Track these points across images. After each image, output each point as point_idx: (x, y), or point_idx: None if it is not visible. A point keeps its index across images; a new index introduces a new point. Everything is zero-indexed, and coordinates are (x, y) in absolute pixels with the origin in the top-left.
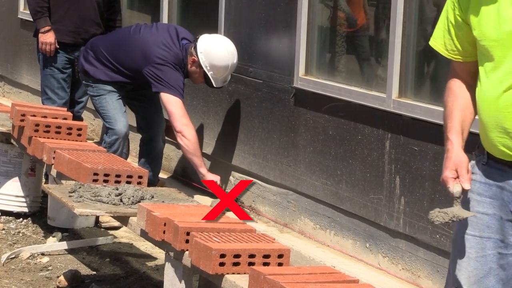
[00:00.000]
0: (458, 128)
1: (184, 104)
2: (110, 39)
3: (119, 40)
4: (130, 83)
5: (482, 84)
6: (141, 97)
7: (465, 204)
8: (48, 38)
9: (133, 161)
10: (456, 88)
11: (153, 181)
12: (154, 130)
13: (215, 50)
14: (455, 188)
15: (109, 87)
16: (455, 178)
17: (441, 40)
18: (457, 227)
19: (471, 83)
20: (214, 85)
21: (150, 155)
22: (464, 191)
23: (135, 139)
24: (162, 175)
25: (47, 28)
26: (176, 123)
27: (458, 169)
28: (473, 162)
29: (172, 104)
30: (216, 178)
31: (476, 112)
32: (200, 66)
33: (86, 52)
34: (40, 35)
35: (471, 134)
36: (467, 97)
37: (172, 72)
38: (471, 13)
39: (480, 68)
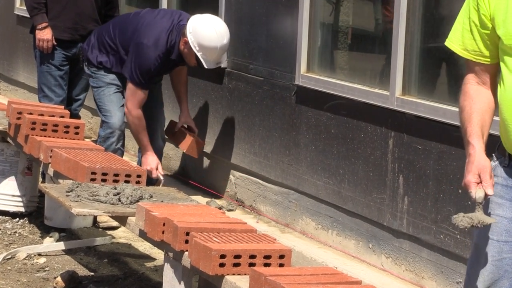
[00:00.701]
0: (479, 132)
1: (140, 91)
2: (113, 22)
3: (119, 22)
4: None
5: (505, 85)
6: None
7: (485, 206)
8: (45, 34)
9: (131, 159)
10: (473, 91)
11: (152, 180)
12: (153, 126)
13: (204, 31)
14: (477, 193)
15: (109, 79)
16: (477, 183)
17: (459, 41)
18: (476, 231)
19: (490, 84)
20: (205, 66)
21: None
22: (487, 197)
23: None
24: None
25: (44, 24)
26: (127, 104)
27: (481, 174)
28: (493, 163)
29: (130, 91)
30: (153, 162)
31: (493, 114)
32: (190, 47)
33: (90, 40)
34: (37, 32)
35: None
36: (485, 101)
37: (146, 58)
38: (496, 12)
39: (503, 68)
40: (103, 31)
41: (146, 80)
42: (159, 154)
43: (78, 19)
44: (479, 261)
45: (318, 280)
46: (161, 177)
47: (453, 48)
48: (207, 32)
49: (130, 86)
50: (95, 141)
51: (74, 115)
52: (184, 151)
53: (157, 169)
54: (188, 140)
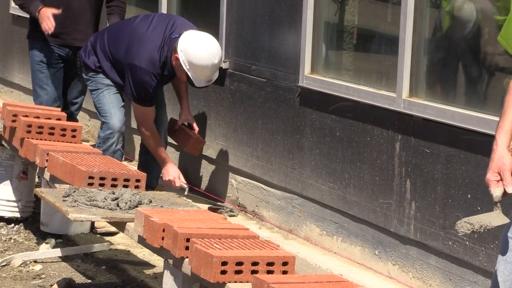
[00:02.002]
0: (508, 127)
1: (146, 108)
2: (110, 29)
3: (115, 30)
4: (121, 79)
5: None
6: None
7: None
8: (41, 15)
9: (133, 164)
10: None
11: (152, 184)
12: (156, 127)
13: (195, 49)
14: (495, 191)
15: (107, 81)
16: (497, 181)
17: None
18: (504, 229)
19: None
20: (195, 84)
21: (150, 154)
22: (507, 195)
23: (136, 142)
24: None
25: (38, 11)
26: (138, 123)
27: (501, 172)
28: None
29: (136, 111)
30: (175, 171)
31: None
32: (181, 64)
33: (86, 47)
34: (38, 17)
35: None
36: None
37: (142, 80)
38: None
39: None
40: (98, 39)
41: (149, 97)
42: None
43: (68, 22)
44: (501, 259)
45: None
46: (185, 185)
47: (504, 45)
48: (197, 51)
49: (136, 107)
50: (93, 145)
51: (72, 118)
52: (185, 149)
53: (179, 178)
54: (188, 138)
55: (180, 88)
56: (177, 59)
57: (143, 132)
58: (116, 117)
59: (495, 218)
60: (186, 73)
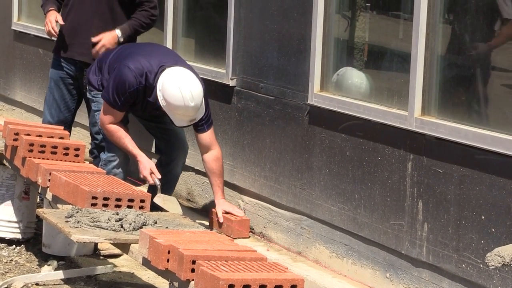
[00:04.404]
0: None
1: (114, 110)
2: (116, 50)
3: (120, 49)
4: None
5: None
6: (157, 118)
7: None
8: (48, 16)
9: (142, 187)
10: None
11: (156, 205)
12: (174, 154)
13: (170, 90)
14: None
15: None
16: None
17: None
18: None
19: None
20: (175, 124)
21: (164, 178)
22: None
23: None
24: None
25: (50, 8)
26: (100, 118)
27: None
28: None
29: (104, 109)
30: (147, 164)
31: None
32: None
33: (93, 63)
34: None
35: None
36: None
37: (125, 78)
38: None
39: None
40: (104, 57)
41: (120, 101)
42: (174, 180)
43: (73, 35)
44: None
45: None
46: (158, 182)
47: None
48: (173, 93)
49: (104, 104)
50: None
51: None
52: (233, 236)
53: (152, 173)
54: (230, 225)
55: (213, 183)
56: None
57: (103, 126)
58: None
59: None
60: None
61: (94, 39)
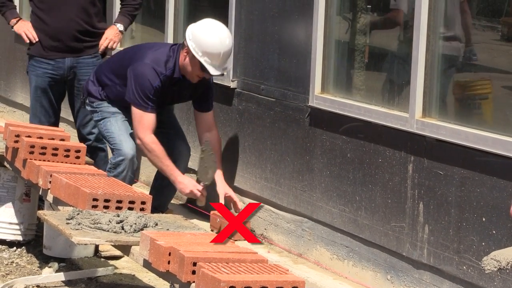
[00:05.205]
0: None
1: (147, 114)
2: (112, 57)
3: (118, 55)
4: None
5: None
6: (159, 123)
7: None
8: (21, 26)
9: (143, 188)
10: None
11: (163, 209)
12: (176, 156)
13: (204, 33)
14: None
15: (113, 109)
16: None
17: None
18: None
19: None
20: (211, 72)
21: (167, 179)
22: None
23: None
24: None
25: (17, 18)
26: (137, 133)
27: None
28: None
29: (135, 117)
30: (190, 182)
31: None
32: (193, 55)
33: (89, 77)
34: (14, 28)
35: None
36: None
37: (145, 75)
38: None
39: None
40: (101, 67)
41: (150, 101)
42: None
43: (59, 35)
44: None
45: None
46: (204, 193)
47: None
48: (207, 34)
49: (134, 111)
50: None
51: (93, 148)
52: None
53: (197, 189)
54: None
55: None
56: (187, 52)
57: (141, 141)
58: (127, 143)
59: None
60: (200, 63)
61: (100, 42)
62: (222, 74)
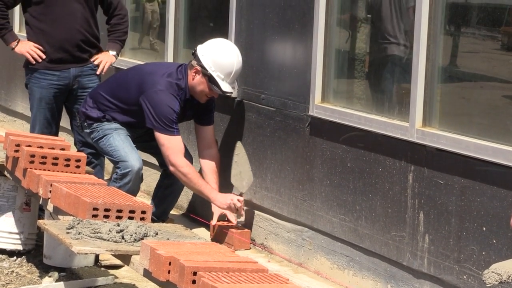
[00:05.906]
0: None
1: (174, 138)
2: (108, 81)
3: (116, 79)
4: (135, 122)
5: None
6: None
7: None
8: (23, 46)
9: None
10: None
11: (164, 217)
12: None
13: (216, 48)
14: None
15: (114, 125)
16: None
17: None
18: None
19: None
20: (222, 89)
21: (169, 188)
22: None
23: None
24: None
25: (17, 41)
26: (169, 159)
27: None
28: None
29: (164, 142)
30: (227, 198)
31: None
32: (204, 73)
33: (85, 101)
34: (15, 50)
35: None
36: None
37: (164, 102)
38: None
39: None
40: (98, 91)
41: (174, 124)
42: (178, 191)
43: (65, 46)
44: None
45: None
46: (243, 208)
47: None
48: (224, 52)
49: (160, 136)
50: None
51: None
52: (235, 248)
53: (234, 201)
54: (231, 236)
55: (210, 180)
56: (196, 72)
57: (177, 169)
58: (132, 155)
59: None
60: (211, 78)
61: (92, 59)
62: (231, 92)
